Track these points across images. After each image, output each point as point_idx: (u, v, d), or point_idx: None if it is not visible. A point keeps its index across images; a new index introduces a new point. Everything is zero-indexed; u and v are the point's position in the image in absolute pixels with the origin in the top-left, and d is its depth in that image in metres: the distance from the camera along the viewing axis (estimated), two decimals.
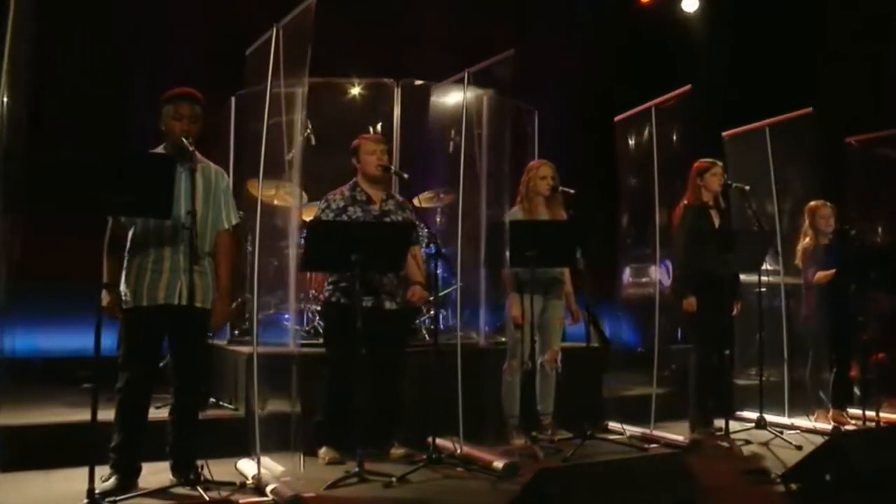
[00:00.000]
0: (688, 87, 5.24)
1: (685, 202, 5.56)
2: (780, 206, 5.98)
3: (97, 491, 3.70)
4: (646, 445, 5.15)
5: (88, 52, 6.41)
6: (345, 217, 4.71)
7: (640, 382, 6.53)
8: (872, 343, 6.58)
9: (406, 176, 4.79)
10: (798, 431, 5.62)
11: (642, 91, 5.79)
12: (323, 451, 4.71)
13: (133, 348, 3.94)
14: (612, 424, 5.65)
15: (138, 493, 3.80)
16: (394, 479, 4.16)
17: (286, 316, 5.84)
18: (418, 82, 5.64)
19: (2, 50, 3.27)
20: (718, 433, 5.30)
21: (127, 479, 3.88)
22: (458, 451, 4.74)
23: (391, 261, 4.47)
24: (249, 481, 4.09)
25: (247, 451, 4.68)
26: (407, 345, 4.98)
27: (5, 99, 3.22)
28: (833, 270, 5.71)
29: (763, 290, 5.42)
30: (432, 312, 6.46)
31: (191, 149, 3.90)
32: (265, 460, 4.25)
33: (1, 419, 4.01)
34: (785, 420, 5.85)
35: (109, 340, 3.98)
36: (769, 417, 5.79)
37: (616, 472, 2.97)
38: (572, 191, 5.22)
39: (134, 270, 3.95)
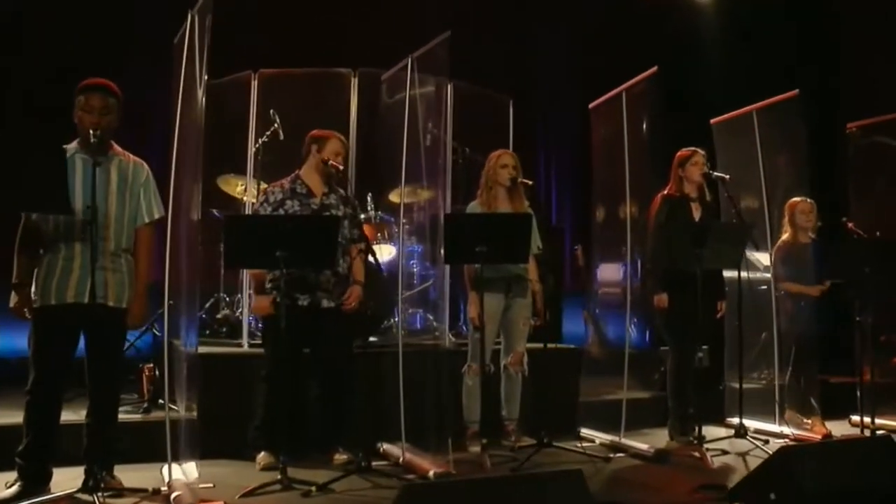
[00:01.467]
0: (654, 68, 4.85)
1: (663, 193, 5.20)
2: (769, 198, 5.54)
3: None
4: (611, 455, 4.82)
5: None
6: (281, 211, 4.51)
7: (629, 386, 6.20)
8: (890, 345, 6.16)
9: (341, 168, 4.54)
10: (787, 440, 5.19)
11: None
12: (261, 455, 4.53)
13: (42, 349, 3.80)
14: (585, 431, 5.32)
15: (35, 499, 3.64)
16: (313, 489, 3.93)
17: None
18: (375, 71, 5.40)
19: None
20: (696, 441, 4.93)
21: (33, 485, 3.74)
22: (401, 458, 4.50)
23: (318, 257, 4.24)
24: (164, 488, 3.91)
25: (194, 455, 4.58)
26: (350, 345, 4.73)
27: None
28: (804, 287, 5.43)
29: (744, 288, 4.98)
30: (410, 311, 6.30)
31: (94, 140, 3.73)
32: (188, 466, 4.06)
33: None
34: (774, 428, 5.42)
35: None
36: (759, 425, 5.43)
37: (485, 491, 2.67)
38: (530, 182, 4.90)
39: (44, 269, 3.82)
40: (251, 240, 4.13)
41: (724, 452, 4.88)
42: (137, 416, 4.84)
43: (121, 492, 3.85)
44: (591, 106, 5.54)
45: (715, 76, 7.79)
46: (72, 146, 3.88)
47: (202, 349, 5.20)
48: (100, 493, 3.60)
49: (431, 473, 4.18)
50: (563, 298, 7.03)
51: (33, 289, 3.82)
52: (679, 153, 5.20)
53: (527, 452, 4.65)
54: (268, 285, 4.59)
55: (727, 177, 5.10)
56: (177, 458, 3.98)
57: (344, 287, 4.60)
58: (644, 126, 4.93)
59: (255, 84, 5.34)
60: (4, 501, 3.62)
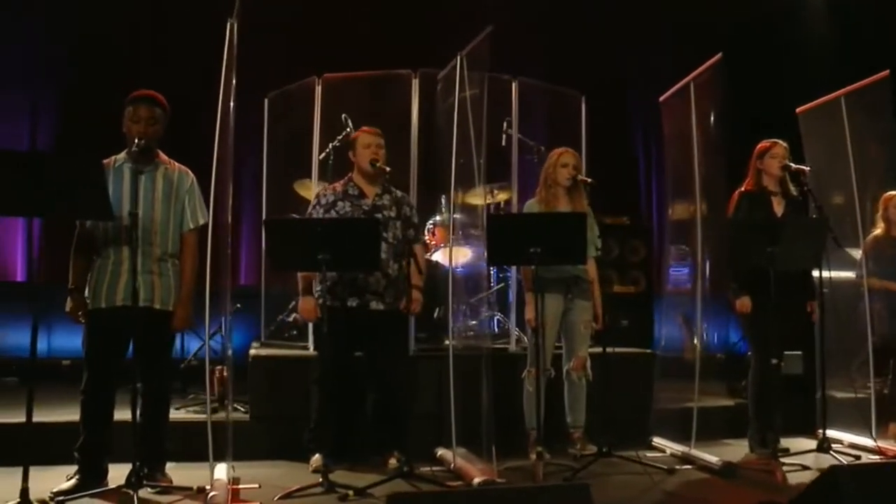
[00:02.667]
0: (718, 55, 4.53)
1: (742, 188, 4.88)
2: (859, 191, 5.07)
3: (55, 490, 3.80)
4: (677, 467, 4.54)
5: None
6: (333, 213, 4.52)
7: (715, 393, 5.87)
8: None
9: (388, 169, 4.50)
10: (882, 457, 4.74)
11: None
12: (314, 458, 4.54)
13: (93, 350, 3.97)
14: (658, 440, 5.05)
15: (86, 493, 3.79)
16: (350, 493, 3.91)
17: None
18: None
19: None
20: (781, 454, 4.59)
21: (90, 479, 3.90)
22: (452, 464, 4.41)
23: (360, 259, 4.21)
24: (208, 487, 3.98)
25: (256, 455, 4.68)
26: (403, 348, 4.69)
27: None
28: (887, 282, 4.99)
29: (826, 290, 4.59)
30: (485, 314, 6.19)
31: (134, 150, 3.86)
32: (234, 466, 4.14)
33: None
34: (869, 442, 4.96)
35: None
36: (856, 439, 5.00)
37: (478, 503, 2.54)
38: (590, 180, 4.70)
39: (95, 273, 3.98)
40: (293, 243, 4.16)
41: (805, 468, 4.50)
42: (202, 416, 4.97)
43: (168, 489, 3.96)
44: (661, 99, 5.26)
45: (797, 58, 7.21)
46: (120, 156, 4.03)
47: (267, 351, 5.33)
48: (146, 489, 3.74)
49: (475, 481, 4.07)
50: (655, 301, 6.74)
51: (87, 292, 3.99)
52: (758, 145, 4.87)
53: (586, 461, 4.46)
54: (317, 287, 4.61)
55: (807, 169, 4.72)
56: (223, 457, 4.06)
57: (396, 289, 4.56)
58: (712, 118, 4.62)
59: (319, 89, 5.37)
60: (62, 492, 3.79)
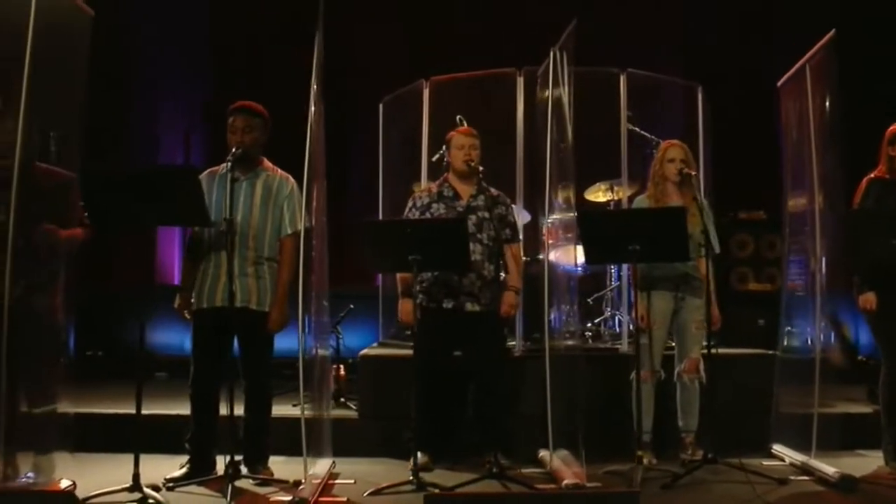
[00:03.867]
0: (831, 32, 4.17)
1: (872, 175, 4.48)
2: None
3: (168, 476, 4.09)
4: (790, 478, 4.22)
5: None
6: (428, 214, 4.56)
7: (856, 398, 5.43)
8: None
9: (481, 169, 4.48)
10: None
11: None
12: (419, 456, 4.60)
13: (197, 347, 4.24)
14: (778, 448, 4.73)
15: (193, 481, 4.05)
16: (436, 490, 3.93)
17: None
18: None
19: None
20: None
21: (199, 469, 4.16)
22: (549, 466, 4.34)
23: (449, 259, 4.23)
24: (303, 481, 4.14)
25: (364, 452, 4.82)
26: (500, 349, 4.66)
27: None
28: None
29: None
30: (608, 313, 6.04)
31: (229, 159, 4.06)
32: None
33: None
34: None
35: None
36: None
37: None
38: (693, 172, 4.49)
39: (200, 275, 4.24)
40: (385, 244, 4.24)
41: None
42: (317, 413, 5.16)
43: (267, 481, 4.15)
44: (778, 84, 4.92)
45: None
46: (223, 165, 4.27)
47: (376, 351, 5.47)
48: (247, 480, 4.00)
49: (563, 484, 3.98)
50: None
51: (193, 293, 4.26)
52: (889, 129, 4.45)
53: (689, 467, 4.25)
54: (416, 288, 4.67)
55: None
56: (320, 453, 4.22)
57: (493, 291, 4.54)
58: (827, 101, 4.27)
59: (426, 92, 5.42)
60: (173, 479, 4.08)
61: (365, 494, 3.96)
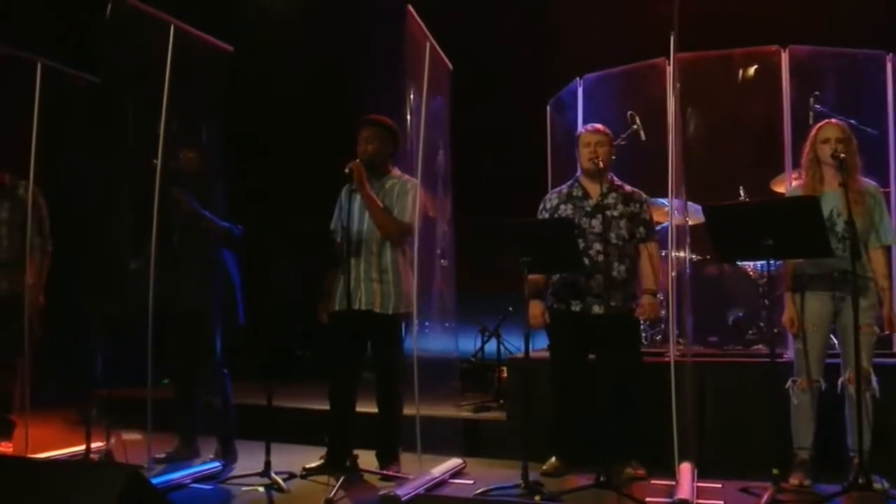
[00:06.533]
0: None
1: None
2: None
3: (306, 466, 4.44)
4: None
5: None
6: (556, 216, 4.48)
7: None
8: None
9: (601, 167, 4.29)
10: None
11: None
12: (552, 460, 4.52)
13: (332, 348, 4.52)
14: None
15: (329, 472, 4.25)
16: (537, 497, 3.84)
17: None
18: None
19: None
20: None
21: (336, 462, 4.41)
22: (676, 479, 4.06)
23: (559, 260, 4.12)
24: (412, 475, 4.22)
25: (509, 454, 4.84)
26: (632, 353, 4.43)
27: None
28: None
29: None
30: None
31: (347, 170, 4.30)
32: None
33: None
34: None
35: None
36: None
37: None
38: (843, 155, 3.93)
39: (337, 280, 4.54)
40: (493, 244, 4.22)
41: None
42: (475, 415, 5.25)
43: (391, 476, 4.30)
44: None
45: None
46: None
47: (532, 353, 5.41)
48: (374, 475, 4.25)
49: (673, 499, 3.71)
50: None
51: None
52: None
53: (827, 494, 3.75)
54: (547, 291, 4.59)
55: None
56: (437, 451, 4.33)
57: (622, 292, 4.36)
58: None
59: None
60: (310, 469, 4.42)
61: (473, 494, 3.99)
